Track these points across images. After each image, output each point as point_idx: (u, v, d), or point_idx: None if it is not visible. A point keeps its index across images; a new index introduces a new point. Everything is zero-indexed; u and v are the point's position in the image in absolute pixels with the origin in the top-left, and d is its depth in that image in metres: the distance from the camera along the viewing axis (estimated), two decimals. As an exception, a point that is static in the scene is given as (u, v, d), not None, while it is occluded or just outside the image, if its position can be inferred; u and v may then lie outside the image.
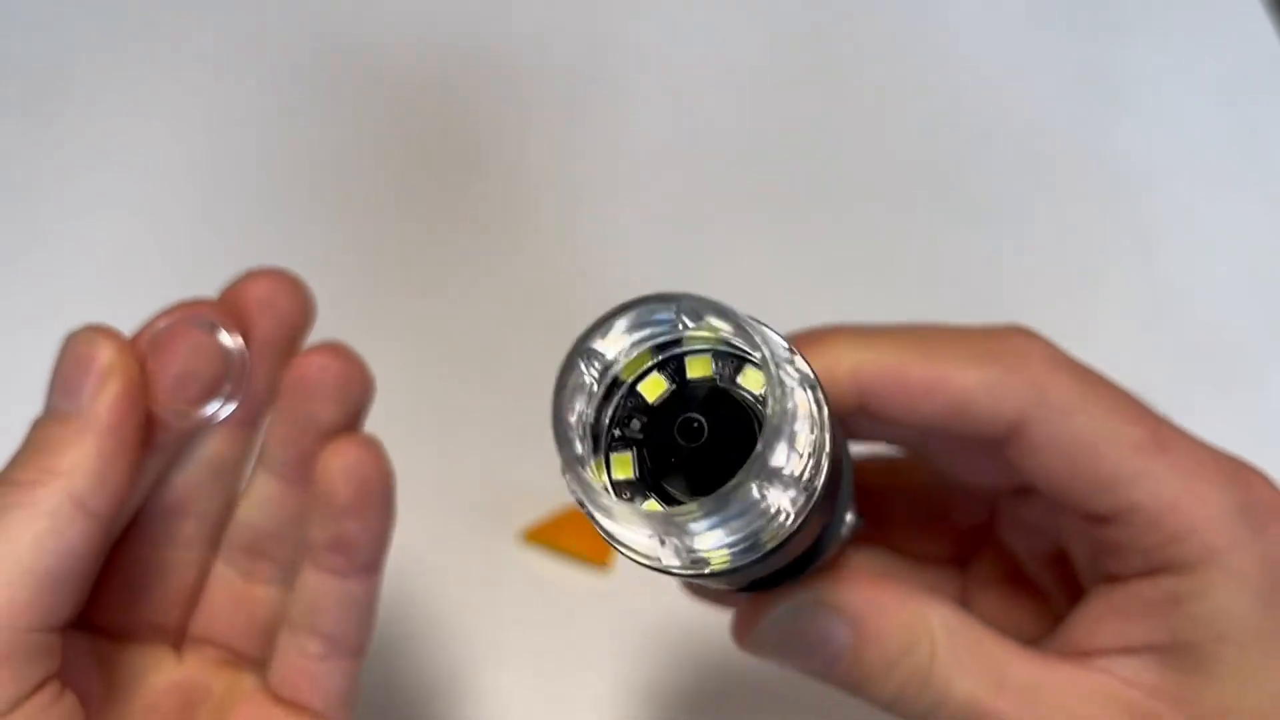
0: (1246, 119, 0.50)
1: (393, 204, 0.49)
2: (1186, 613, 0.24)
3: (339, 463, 0.26)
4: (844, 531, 0.25)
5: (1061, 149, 0.50)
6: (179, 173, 0.49)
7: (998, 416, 0.25)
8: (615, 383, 0.20)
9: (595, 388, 0.20)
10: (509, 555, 0.41)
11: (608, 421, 0.20)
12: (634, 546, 0.19)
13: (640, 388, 0.20)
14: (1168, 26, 0.53)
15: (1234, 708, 0.24)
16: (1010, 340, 0.26)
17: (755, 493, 0.18)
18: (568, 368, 0.19)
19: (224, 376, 0.27)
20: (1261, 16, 0.52)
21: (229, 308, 0.27)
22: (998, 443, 0.26)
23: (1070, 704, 0.25)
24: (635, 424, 0.20)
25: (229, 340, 0.27)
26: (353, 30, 0.53)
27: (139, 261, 0.47)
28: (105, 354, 0.25)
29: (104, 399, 0.24)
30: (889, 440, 0.29)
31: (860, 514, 0.26)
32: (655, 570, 0.19)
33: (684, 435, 0.20)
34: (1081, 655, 0.25)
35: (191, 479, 0.28)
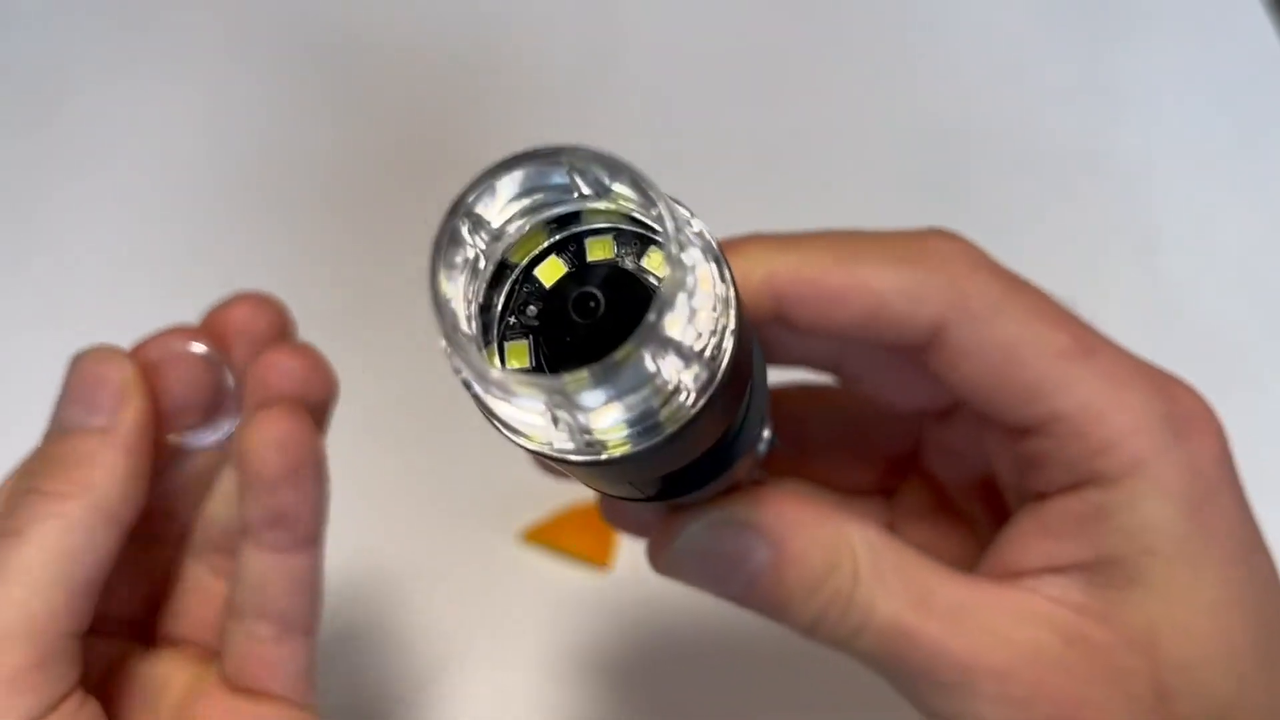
0: (1246, 119, 0.50)
1: (394, 206, 0.49)
2: (1112, 526, 0.24)
3: (266, 434, 0.26)
4: (760, 447, 0.24)
5: (1062, 150, 0.50)
6: (177, 175, 0.49)
7: (917, 320, 0.24)
8: (507, 265, 0.19)
9: (483, 263, 0.18)
10: (509, 555, 0.41)
11: (500, 308, 0.19)
12: (526, 431, 0.18)
13: (537, 272, 0.19)
14: (1168, 28, 0.53)
15: (1161, 623, 0.23)
16: (930, 241, 0.25)
17: (649, 362, 0.16)
18: (444, 230, 0.17)
19: (218, 403, 0.27)
20: (1262, 17, 0.52)
21: (211, 332, 0.27)
22: (919, 350, 0.25)
23: (997, 624, 0.24)
24: (532, 310, 0.19)
25: (219, 366, 0.27)
26: (352, 34, 0.53)
27: (137, 262, 0.47)
28: (123, 372, 0.25)
29: (128, 416, 0.25)
30: (810, 362, 0.28)
31: (776, 433, 0.25)
32: (551, 460, 0.18)
33: (579, 312, 0.18)
34: (1009, 575, 0.25)
35: (173, 483, 0.28)
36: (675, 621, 0.40)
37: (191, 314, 0.28)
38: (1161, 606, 0.23)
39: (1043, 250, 0.48)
